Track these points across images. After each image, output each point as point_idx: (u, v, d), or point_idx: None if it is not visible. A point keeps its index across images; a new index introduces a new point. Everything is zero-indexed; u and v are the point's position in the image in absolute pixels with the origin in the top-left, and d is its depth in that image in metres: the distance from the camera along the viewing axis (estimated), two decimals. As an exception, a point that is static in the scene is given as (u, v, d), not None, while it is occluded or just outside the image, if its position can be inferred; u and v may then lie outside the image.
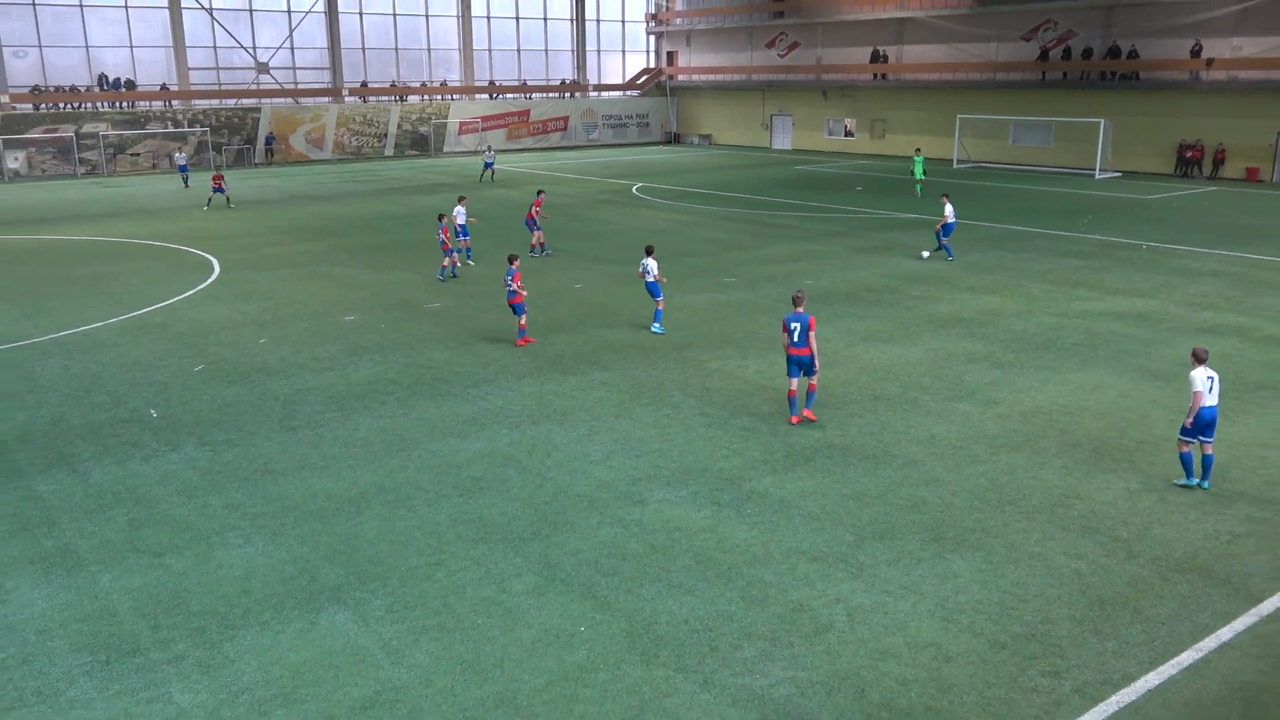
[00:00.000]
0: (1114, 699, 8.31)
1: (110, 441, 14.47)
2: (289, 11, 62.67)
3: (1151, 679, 8.58)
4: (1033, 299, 22.91)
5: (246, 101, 60.74)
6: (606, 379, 17.20)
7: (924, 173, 43.60)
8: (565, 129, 72.33)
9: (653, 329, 20.06)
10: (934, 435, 14.41)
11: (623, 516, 11.86)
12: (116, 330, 20.78)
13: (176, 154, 51.39)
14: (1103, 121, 49.76)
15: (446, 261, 25.66)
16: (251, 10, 61.56)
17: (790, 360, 14.58)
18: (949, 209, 27.53)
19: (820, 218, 36.40)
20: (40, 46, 55.69)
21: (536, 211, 28.75)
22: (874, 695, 8.41)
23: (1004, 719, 8.09)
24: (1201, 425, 12.09)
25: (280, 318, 21.79)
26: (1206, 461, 12.33)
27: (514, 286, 18.85)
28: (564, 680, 8.69)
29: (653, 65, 78.14)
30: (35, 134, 53.73)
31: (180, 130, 57.73)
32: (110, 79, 57.09)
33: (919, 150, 46.36)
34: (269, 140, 60.64)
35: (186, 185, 47.33)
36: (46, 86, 55.53)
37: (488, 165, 51.01)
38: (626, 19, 77.50)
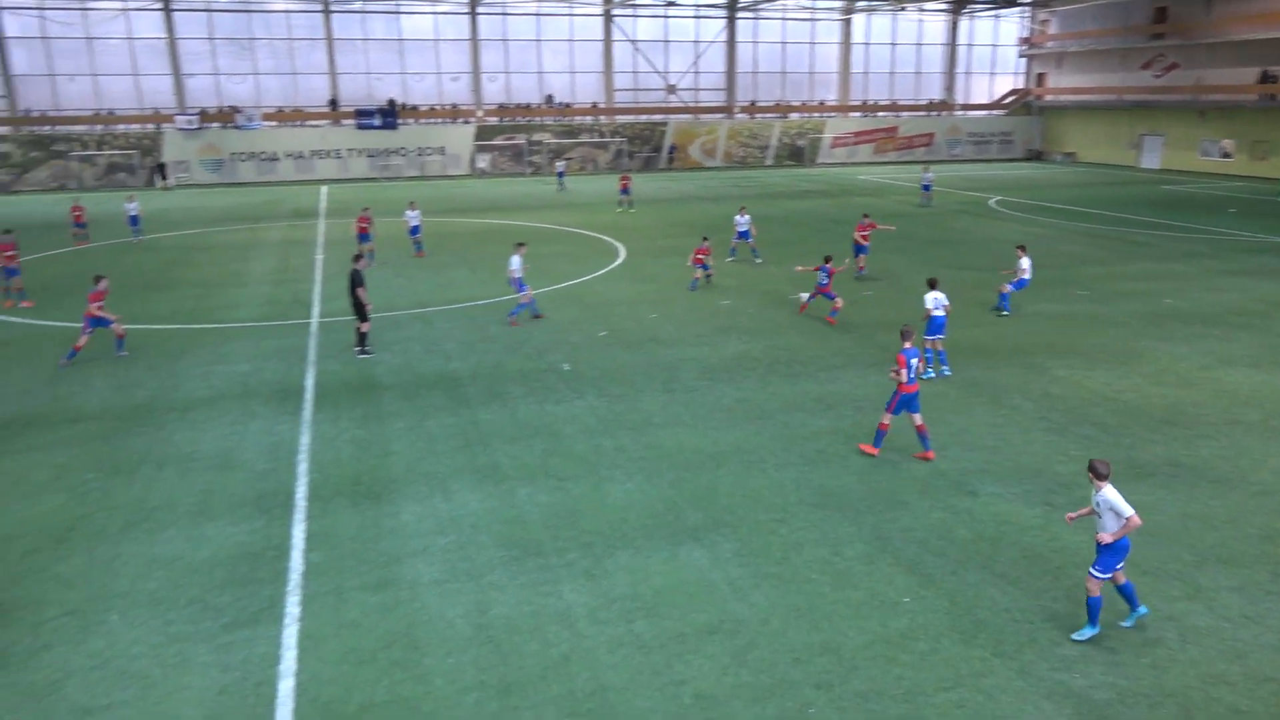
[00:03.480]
0: None
1: (534, 385, 16.00)
2: (696, 41, 65.32)
3: None
4: None
5: (655, 116, 64.18)
6: (947, 376, 16.33)
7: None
8: (930, 144, 69.24)
9: (942, 371, 16.38)
10: (1297, 467, 12.25)
11: (953, 504, 11.26)
12: (544, 298, 22.83)
13: (558, 162, 54.99)
14: None
15: (699, 274, 23.74)
16: (667, 41, 64.86)
17: (905, 400, 12.33)
18: (1025, 261, 20.56)
19: (1185, 238, 31.96)
20: (507, 73, 62.44)
21: (864, 237, 25.11)
22: (1201, 718, 7.36)
23: (1355, 772, 6.78)
24: (1122, 554, 8.38)
25: (668, 298, 22.86)
26: (1128, 588, 8.63)
27: (823, 279, 20.36)
28: (885, 642, 8.44)
29: (1021, 86, 72.53)
30: (498, 141, 60.54)
31: (603, 140, 62.19)
32: (554, 99, 62.76)
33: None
34: (671, 149, 63.72)
35: (562, 188, 50.03)
36: (509, 104, 62.16)
37: (925, 188, 42.18)
38: (998, 42, 72.64)
